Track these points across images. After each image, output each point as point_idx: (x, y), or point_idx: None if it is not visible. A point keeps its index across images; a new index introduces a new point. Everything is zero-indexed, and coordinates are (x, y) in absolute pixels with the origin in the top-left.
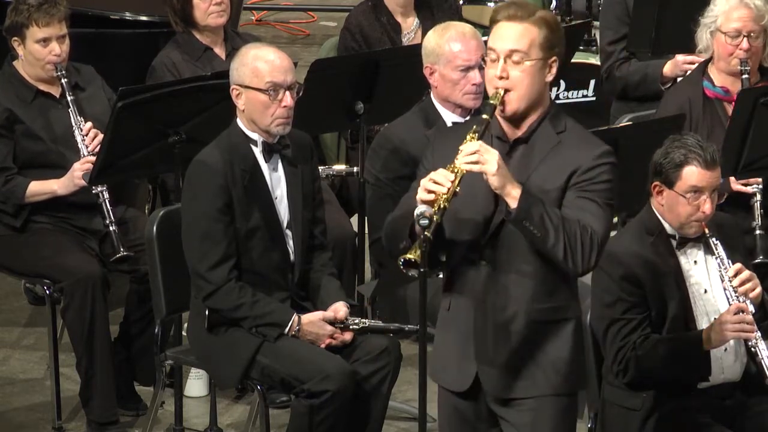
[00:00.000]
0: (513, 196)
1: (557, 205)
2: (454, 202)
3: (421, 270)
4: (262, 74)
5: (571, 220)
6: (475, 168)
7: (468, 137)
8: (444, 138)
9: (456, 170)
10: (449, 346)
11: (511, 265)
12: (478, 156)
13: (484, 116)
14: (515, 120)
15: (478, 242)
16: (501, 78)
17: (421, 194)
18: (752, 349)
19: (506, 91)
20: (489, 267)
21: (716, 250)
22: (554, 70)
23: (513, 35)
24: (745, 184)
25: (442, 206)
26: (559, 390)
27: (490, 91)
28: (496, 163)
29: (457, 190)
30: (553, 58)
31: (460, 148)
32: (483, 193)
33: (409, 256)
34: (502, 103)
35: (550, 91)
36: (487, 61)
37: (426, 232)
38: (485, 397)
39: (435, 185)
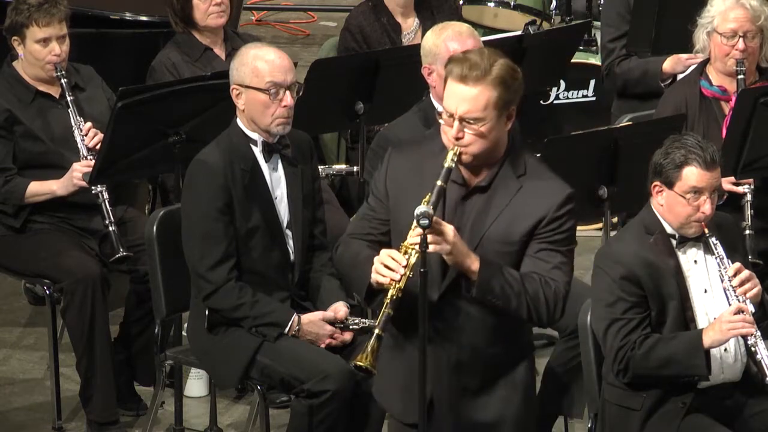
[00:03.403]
0: (472, 270)
1: (520, 254)
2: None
3: (422, 270)
4: (262, 74)
5: (532, 278)
6: (429, 249)
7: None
8: (400, 158)
9: (409, 253)
10: (397, 375)
11: (462, 305)
12: (432, 237)
13: (439, 183)
14: (474, 167)
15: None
16: (457, 139)
17: (375, 275)
18: (752, 348)
19: (462, 149)
20: (441, 304)
21: (716, 249)
22: (513, 117)
23: (466, 99)
24: (737, 185)
25: (394, 296)
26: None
27: (447, 145)
28: (451, 242)
29: (410, 275)
30: (512, 108)
31: (413, 227)
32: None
33: (360, 363)
34: (459, 160)
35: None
36: (444, 118)
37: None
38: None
39: (388, 271)
